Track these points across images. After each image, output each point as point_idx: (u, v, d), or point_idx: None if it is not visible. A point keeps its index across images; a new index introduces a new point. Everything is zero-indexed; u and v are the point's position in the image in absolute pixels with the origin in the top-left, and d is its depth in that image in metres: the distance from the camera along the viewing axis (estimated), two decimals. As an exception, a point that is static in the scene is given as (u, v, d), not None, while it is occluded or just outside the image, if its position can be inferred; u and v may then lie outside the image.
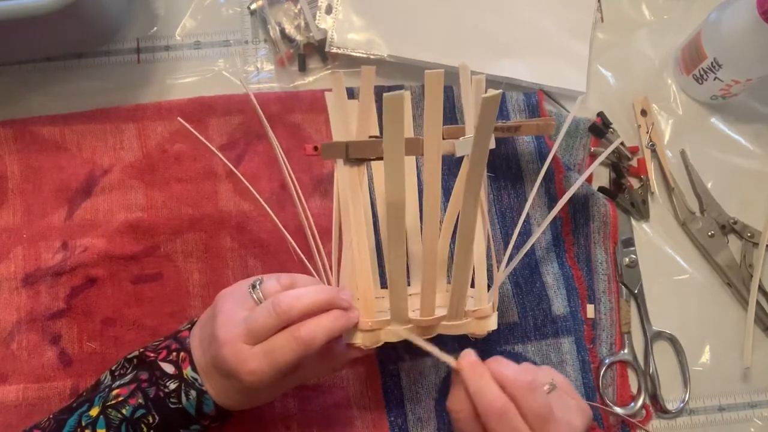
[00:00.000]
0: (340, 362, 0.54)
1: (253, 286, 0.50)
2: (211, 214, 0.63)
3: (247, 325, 0.47)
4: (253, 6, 0.69)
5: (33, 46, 0.63)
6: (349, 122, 0.58)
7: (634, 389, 0.64)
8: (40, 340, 0.60)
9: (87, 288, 0.61)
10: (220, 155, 0.59)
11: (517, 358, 0.62)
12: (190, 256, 0.63)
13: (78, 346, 0.60)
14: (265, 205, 0.58)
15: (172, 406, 0.49)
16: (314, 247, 0.56)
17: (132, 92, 0.67)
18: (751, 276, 0.66)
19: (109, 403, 0.49)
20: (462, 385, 0.47)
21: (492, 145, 0.59)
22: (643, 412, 0.63)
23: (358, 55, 0.66)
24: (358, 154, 0.53)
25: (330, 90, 0.64)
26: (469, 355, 0.48)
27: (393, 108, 0.42)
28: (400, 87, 0.68)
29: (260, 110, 0.61)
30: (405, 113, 0.65)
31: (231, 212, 0.63)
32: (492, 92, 0.40)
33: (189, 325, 0.53)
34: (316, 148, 0.57)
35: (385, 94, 0.42)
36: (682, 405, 0.64)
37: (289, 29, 0.67)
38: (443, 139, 0.62)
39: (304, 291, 0.49)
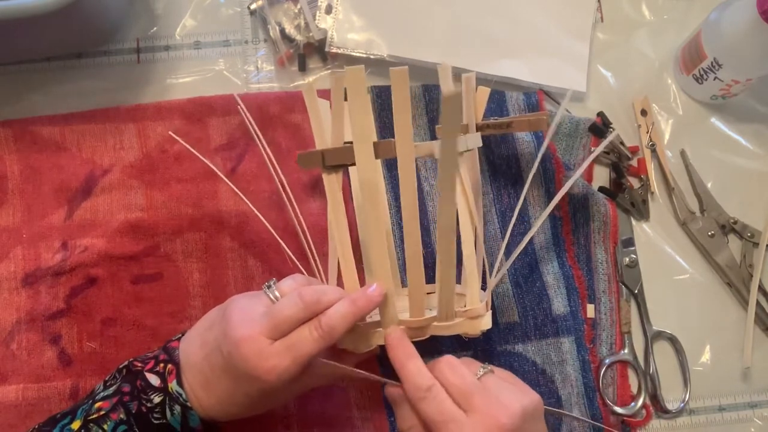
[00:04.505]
0: (346, 366, 0.54)
1: (268, 286, 0.50)
2: (211, 214, 0.63)
3: (271, 318, 0.46)
4: (253, 6, 0.69)
5: (33, 46, 0.63)
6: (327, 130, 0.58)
7: (634, 389, 0.64)
8: (39, 340, 0.60)
9: (87, 288, 0.61)
10: (212, 165, 0.59)
11: (518, 358, 0.62)
12: (190, 256, 0.63)
13: (78, 346, 0.60)
14: (255, 210, 0.58)
15: (156, 421, 0.48)
16: (308, 250, 0.56)
17: (132, 92, 0.67)
18: (751, 276, 0.66)
19: (90, 417, 0.48)
20: (405, 402, 0.48)
21: (478, 143, 0.59)
22: (643, 412, 0.63)
23: (358, 55, 0.66)
24: (335, 161, 0.53)
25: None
26: (395, 332, 0.50)
27: (354, 81, 0.42)
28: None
29: (248, 114, 0.61)
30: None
31: (231, 212, 0.63)
32: (451, 90, 0.40)
33: (180, 335, 0.52)
34: None
35: (345, 69, 0.42)
36: (682, 405, 0.64)
37: (289, 29, 0.67)
38: (433, 140, 0.62)
39: (327, 287, 0.49)
